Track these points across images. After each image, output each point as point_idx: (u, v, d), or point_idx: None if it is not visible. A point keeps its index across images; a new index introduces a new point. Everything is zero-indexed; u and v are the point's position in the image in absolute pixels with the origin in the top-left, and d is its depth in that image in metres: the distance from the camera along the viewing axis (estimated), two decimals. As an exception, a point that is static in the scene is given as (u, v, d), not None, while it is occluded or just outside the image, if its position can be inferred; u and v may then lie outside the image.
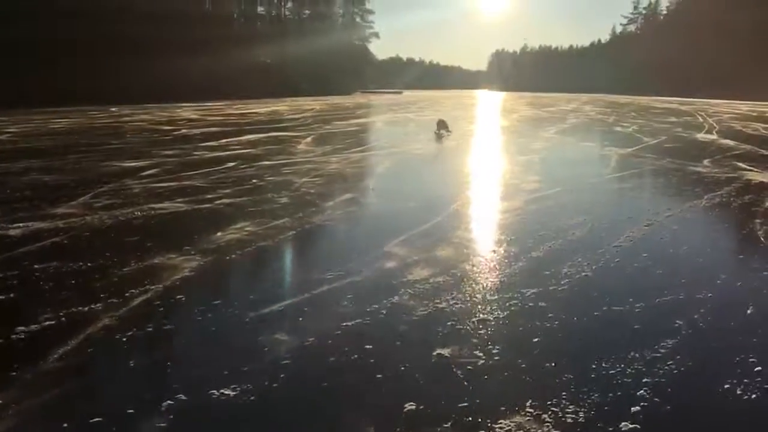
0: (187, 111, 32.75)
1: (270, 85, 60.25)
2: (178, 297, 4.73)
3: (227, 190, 9.31)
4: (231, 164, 12.20)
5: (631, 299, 4.77)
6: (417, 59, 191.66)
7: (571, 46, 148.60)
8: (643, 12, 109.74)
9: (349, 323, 4.25)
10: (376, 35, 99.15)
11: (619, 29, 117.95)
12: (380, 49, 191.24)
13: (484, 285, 5.10)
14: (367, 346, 3.90)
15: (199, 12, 56.63)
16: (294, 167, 11.90)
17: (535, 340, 4.05)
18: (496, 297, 4.80)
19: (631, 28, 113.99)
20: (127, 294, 4.74)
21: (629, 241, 6.51)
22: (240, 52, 58.32)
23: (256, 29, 70.16)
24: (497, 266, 5.62)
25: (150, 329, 4.13)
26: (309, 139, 17.64)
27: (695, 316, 4.46)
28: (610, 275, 5.43)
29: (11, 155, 13.22)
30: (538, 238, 6.56)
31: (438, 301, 4.70)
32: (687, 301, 4.79)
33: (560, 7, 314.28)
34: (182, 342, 4.06)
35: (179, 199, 8.59)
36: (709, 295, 4.92)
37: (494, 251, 6.11)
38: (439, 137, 18.35)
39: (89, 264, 5.51)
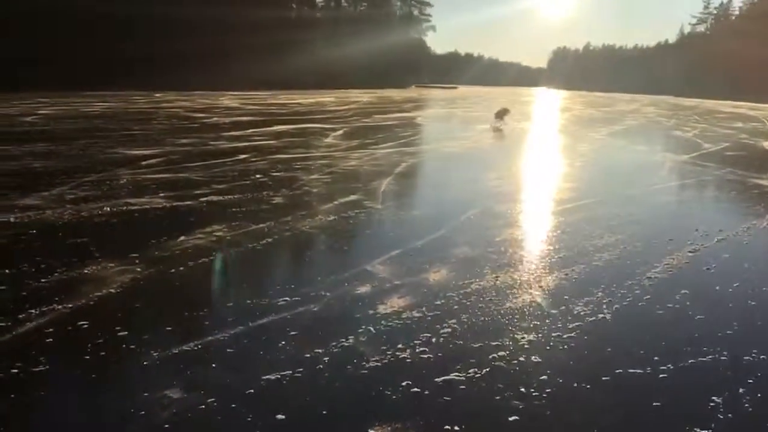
0: (231, 99, 32.38)
1: (323, 76, 59.78)
2: (80, 324, 3.82)
3: (221, 186, 8.44)
4: (242, 156, 11.38)
5: (656, 358, 3.63)
6: (475, 54, 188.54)
7: (635, 46, 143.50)
8: (714, 12, 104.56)
9: (270, 377, 3.25)
10: (433, 28, 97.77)
11: (687, 29, 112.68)
12: (438, 44, 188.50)
13: (467, 326, 4.02)
14: (279, 416, 2.91)
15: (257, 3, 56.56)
16: (308, 162, 10.97)
17: (512, 419, 2.98)
18: (476, 346, 3.72)
19: (701, 28, 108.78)
20: (21, 315, 3.87)
21: (667, 271, 5.30)
22: (296, 43, 58.13)
23: (313, 20, 69.82)
24: (492, 299, 4.52)
25: (15, 372, 3.24)
26: (340, 132, 16.72)
27: (741, 391, 3.30)
28: (634, 320, 4.26)
29: (23, 138, 12.73)
30: (556, 262, 5.43)
31: (401, 347, 3.66)
32: (732, 365, 3.61)
33: (625, 5, 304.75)
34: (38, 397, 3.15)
35: (163, 194, 7.76)
36: (763, 357, 3.72)
37: (496, 277, 5.00)
38: (495, 129, 17.45)
39: (7, 270, 4.69)
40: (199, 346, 3.59)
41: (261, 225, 6.41)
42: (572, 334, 3.93)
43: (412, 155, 12.63)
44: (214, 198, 7.68)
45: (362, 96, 44.01)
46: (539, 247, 6.02)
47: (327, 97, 39.36)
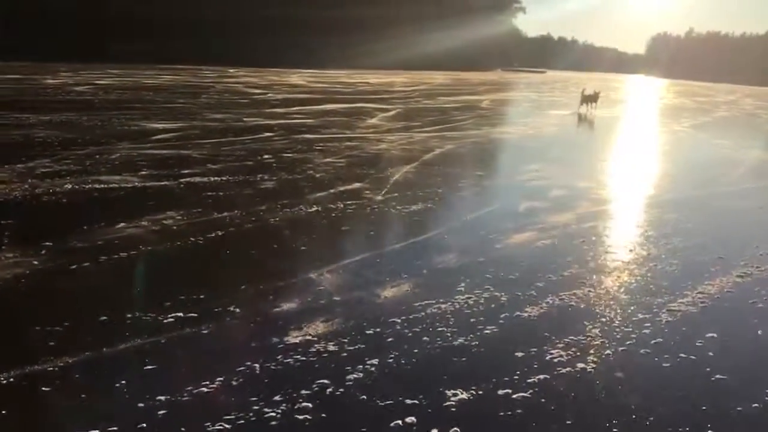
0: (303, 77, 31.91)
1: (408, 57, 58.60)
2: None
3: (216, 166, 7.67)
4: (266, 134, 10.59)
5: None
6: (569, 39, 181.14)
7: (743, 34, 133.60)
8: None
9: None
10: (523, 11, 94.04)
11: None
12: (530, 27, 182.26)
13: (383, 372, 3.00)
14: None
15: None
16: (332, 144, 10.05)
17: None
18: (378, 415, 2.70)
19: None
20: None
21: (699, 302, 4.04)
22: (382, 25, 57.45)
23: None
24: (450, 330, 3.45)
25: None
26: (390, 114, 15.68)
27: None
28: (637, 373, 3.10)
29: (54, 107, 12.44)
30: (557, 282, 4.29)
31: (289, 406, 2.69)
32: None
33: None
34: None
35: (145, 172, 7.06)
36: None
37: (468, 299, 3.91)
38: (581, 115, 16.00)
39: None
40: (12, 380, 2.75)
41: (225, 213, 5.55)
42: (554, 406, 2.83)
43: (453, 141, 11.45)
44: (198, 179, 6.89)
45: (438, 78, 42.63)
46: (548, 259, 4.84)
47: (401, 78, 38.28)
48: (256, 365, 2.97)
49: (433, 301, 3.84)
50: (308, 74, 35.00)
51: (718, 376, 3.12)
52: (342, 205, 6.12)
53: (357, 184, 7.16)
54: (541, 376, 3.00)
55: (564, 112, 19.72)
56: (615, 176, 9.18)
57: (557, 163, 9.84)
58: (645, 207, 6.98)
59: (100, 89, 17.38)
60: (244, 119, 12.55)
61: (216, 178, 6.98)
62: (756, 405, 2.87)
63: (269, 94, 19.45)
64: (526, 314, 3.73)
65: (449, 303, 3.83)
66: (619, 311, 3.82)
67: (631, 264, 4.76)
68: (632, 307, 3.89)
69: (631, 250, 5.13)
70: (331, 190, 6.79)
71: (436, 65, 60.71)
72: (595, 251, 5.06)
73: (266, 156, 8.57)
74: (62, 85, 17.97)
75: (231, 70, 33.76)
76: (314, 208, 5.96)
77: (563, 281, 4.32)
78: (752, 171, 10.31)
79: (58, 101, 13.74)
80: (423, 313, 3.66)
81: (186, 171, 7.26)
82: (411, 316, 3.62)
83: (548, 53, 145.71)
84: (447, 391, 2.83)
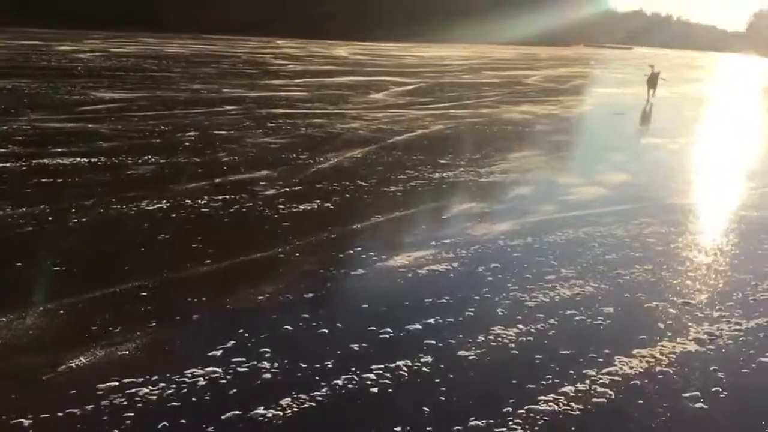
0: (352, 48, 30.45)
1: (486, 31, 55.92)
2: None
3: (109, 144, 6.37)
4: (226, 107, 9.23)
5: None
6: (663, 14, 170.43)
7: None
8: None
9: None
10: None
11: None
12: (622, 2, 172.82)
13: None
14: None
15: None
16: (296, 120, 8.52)
17: None
18: None
19: None
20: None
21: (619, 385, 2.29)
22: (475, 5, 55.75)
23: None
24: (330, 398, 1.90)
25: None
26: (404, 88, 13.87)
27: None
28: None
29: (23, 73, 11.51)
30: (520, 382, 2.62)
31: None
32: None
33: None
34: None
35: (18, 148, 5.79)
36: None
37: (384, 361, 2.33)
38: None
39: None
40: None
41: (25, 209, 4.15)
42: None
43: (450, 120, 9.63)
44: (58, 161, 5.56)
45: (507, 53, 40.00)
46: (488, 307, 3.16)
47: (462, 52, 36.03)
48: None
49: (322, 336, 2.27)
50: (361, 46, 33.42)
51: None
52: (202, 203, 4.60)
53: (261, 173, 5.61)
54: None
55: (615, 91, 17.35)
56: (620, 171, 7.16)
57: (552, 153, 7.93)
58: (636, 211, 5.07)
59: (104, 57, 16.50)
60: (224, 90, 11.20)
61: (82, 160, 5.61)
62: None
63: (290, 66, 18.05)
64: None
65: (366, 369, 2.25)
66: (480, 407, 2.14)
67: (553, 307, 3.00)
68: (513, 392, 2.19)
69: (560, 285, 3.35)
70: (216, 180, 5.28)
71: (521, 41, 57.75)
72: (572, 304, 3.32)
73: (190, 133, 7.16)
74: (67, 53, 17.18)
75: (279, 41, 32.68)
76: (160, 205, 4.46)
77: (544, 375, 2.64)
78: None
79: (37, 67, 12.85)
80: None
81: (58, 150, 5.95)
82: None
83: (641, 30, 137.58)
84: None
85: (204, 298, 3.04)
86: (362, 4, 46.31)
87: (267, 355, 2.51)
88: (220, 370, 2.38)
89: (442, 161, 6.63)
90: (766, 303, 3.36)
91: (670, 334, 2.92)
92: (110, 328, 2.65)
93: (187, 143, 6.64)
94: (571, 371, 2.52)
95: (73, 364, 2.37)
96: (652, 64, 15.87)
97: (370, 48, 32.70)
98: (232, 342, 2.60)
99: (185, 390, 2.25)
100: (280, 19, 39.53)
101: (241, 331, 2.69)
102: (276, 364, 2.45)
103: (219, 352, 2.51)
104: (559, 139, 8.96)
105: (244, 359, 2.47)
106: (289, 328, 2.78)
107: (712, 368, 2.63)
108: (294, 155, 6.41)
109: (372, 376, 2.42)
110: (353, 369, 2.45)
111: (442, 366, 2.52)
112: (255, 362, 2.45)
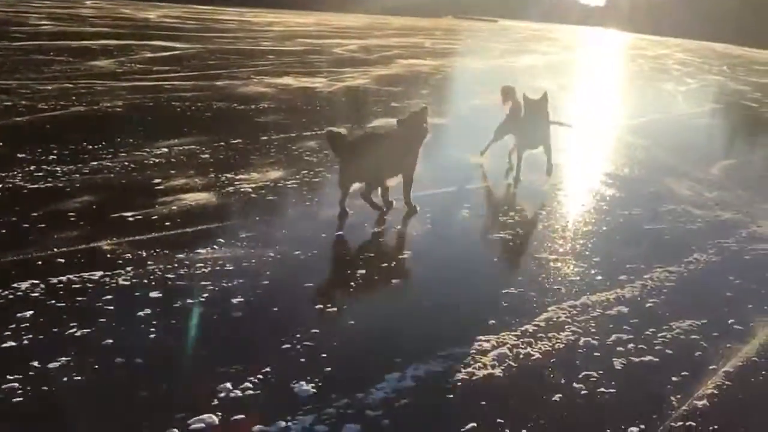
0: (179, 11, 28.76)
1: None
2: None
3: None
4: None
5: None
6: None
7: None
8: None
9: None
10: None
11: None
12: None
13: None
14: None
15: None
16: None
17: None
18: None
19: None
20: None
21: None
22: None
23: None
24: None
25: None
26: (171, 54, 12.92)
27: None
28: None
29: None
30: None
31: None
32: None
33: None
34: None
35: None
36: None
37: None
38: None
39: None
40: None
41: None
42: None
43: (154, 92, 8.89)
44: None
45: (358, 21, 39.42)
46: None
47: (308, 19, 35.09)
48: None
49: None
50: (184, 9, 31.63)
51: None
52: None
53: None
54: None
55: (421, 62, 17.26)
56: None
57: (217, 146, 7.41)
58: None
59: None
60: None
61: None
62: None
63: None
64: None
65: None
66: None
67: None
68: None
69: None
70: None
71: (390, 12, 57.31)
72: None
73: None
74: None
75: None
76: None
77: None
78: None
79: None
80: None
81: None
82: None
83: (513, 3, 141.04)
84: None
85: None
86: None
87: None
88: None
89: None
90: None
91: None
92: None
93: None
94: None
95: None
96: (510, 86, 7.15)
97: (195, 11, 31.03)
98: None
99: None
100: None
101: None
102: None
103: None
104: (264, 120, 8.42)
105: None
106: None
107: None
108: None
109: None
110: None
111: None
112: None
